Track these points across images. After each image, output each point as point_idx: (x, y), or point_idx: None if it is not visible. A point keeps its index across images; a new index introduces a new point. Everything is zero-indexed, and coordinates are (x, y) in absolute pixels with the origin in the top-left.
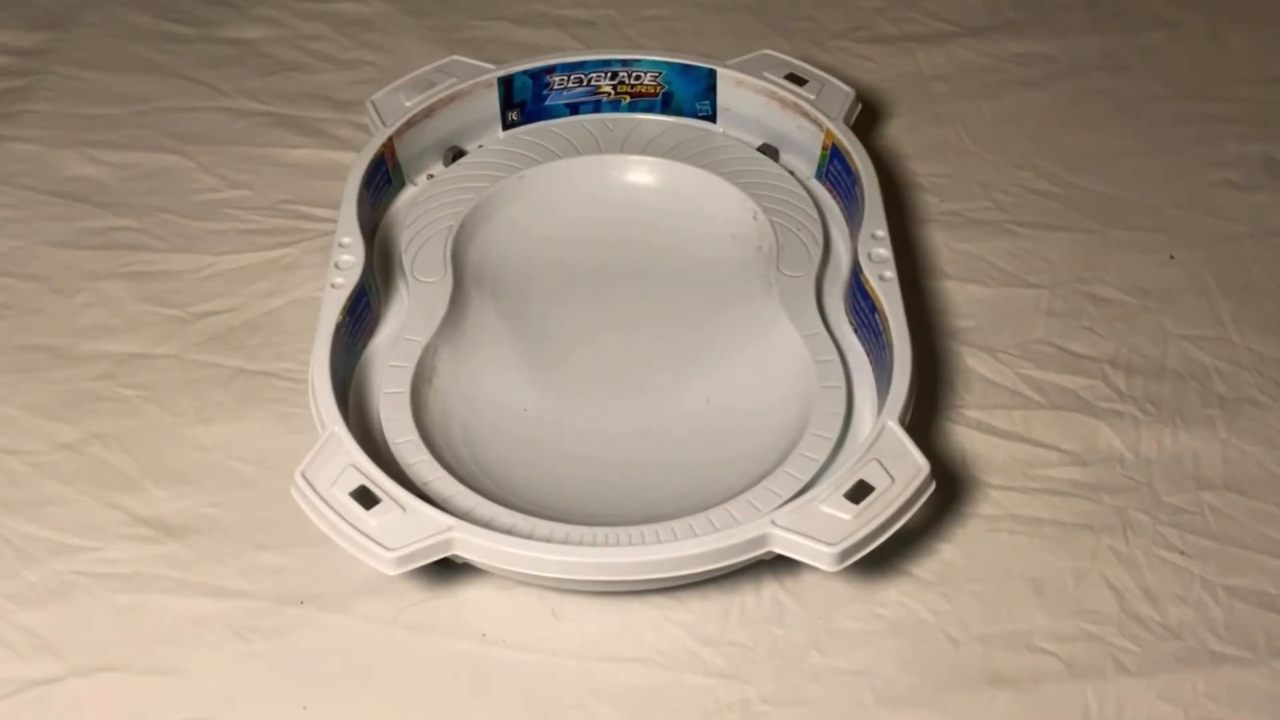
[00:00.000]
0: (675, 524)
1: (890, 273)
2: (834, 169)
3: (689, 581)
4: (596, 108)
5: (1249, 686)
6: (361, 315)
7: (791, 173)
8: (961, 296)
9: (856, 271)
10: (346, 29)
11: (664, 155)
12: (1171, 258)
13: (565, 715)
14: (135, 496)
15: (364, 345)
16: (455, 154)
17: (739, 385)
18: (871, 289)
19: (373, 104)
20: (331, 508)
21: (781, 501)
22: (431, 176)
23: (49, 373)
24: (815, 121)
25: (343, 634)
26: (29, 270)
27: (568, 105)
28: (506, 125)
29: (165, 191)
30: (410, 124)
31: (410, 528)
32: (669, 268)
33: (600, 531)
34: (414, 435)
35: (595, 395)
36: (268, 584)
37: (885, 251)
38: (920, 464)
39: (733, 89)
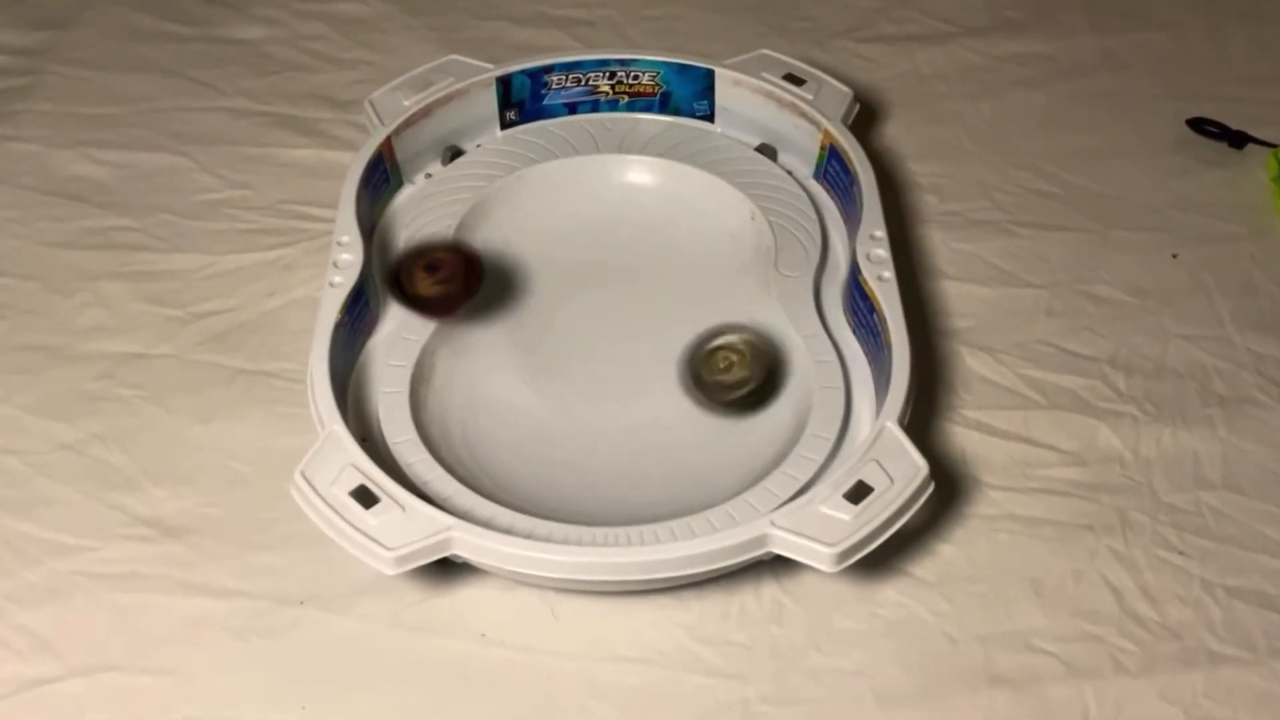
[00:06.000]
0: (674, 524)
1: (889, 273)
2: (832, 169)
3: (689, 582)
4: (594, 107)
5: (1248, 686)
6: (360, 314)
7: (789, 173)
8: (961, 296)
9: (855, 272)
10: (346, 29)
11: (662, 155)
12: (1174, 256)
13: (565, 715)
14: (134, 496)
15: (363, 344)
16: (453, 153)
17: None
18: (870, 289)
19: (371, 103)
20: (331, 507)
21: (781, 502)
22: (430, 176)
23: (48, 373)
24: (813, 121)
25: (342, 634)
26: (29, 270)
27: (566, 105)
28: (505, 125)
29: (165, 191)
30: (408, 123)
31: (409, 527)
32: (667, 268)
33: (599, 531)
34: (413, 434)
35: (594, 394)
36: (267, 584)
37: (883, 252)
38: (919, 464)
39: (731, 89)
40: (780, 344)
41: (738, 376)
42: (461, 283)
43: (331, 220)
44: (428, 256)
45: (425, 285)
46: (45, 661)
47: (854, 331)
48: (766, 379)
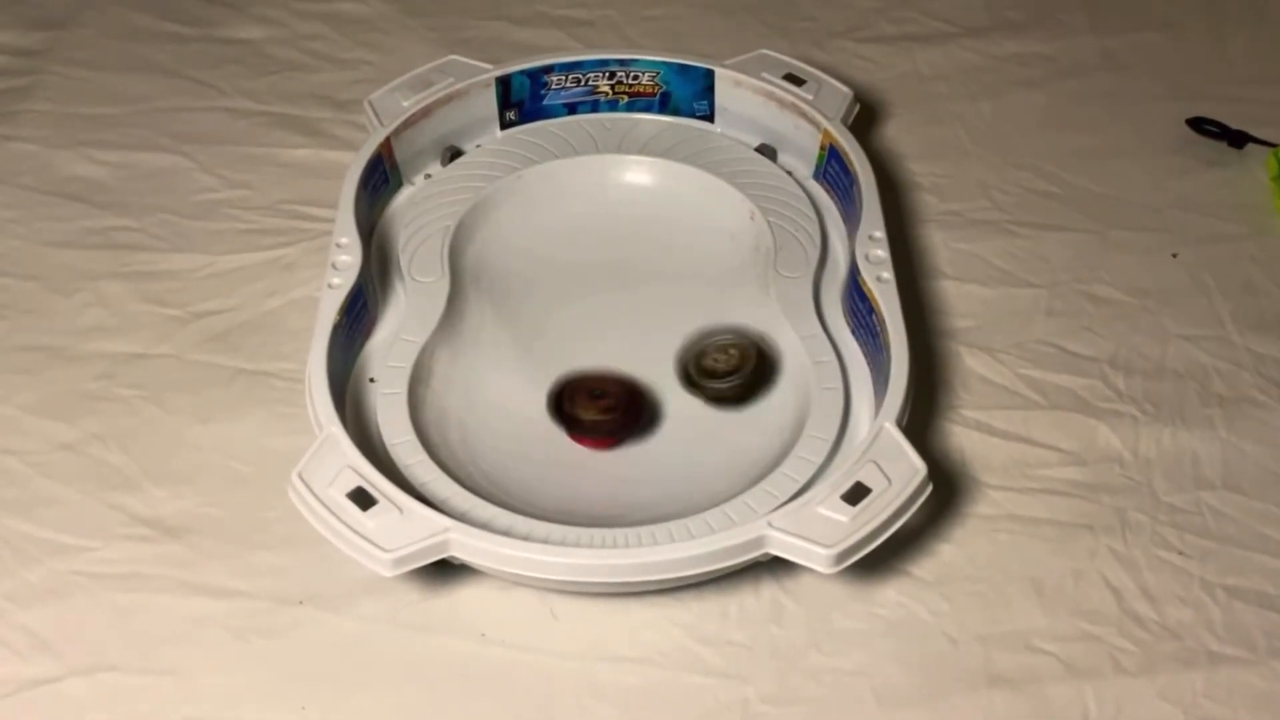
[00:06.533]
0: (672, 525)
1: (888, 274)
2: (832, 169)
3: (688, 582)
4: (594, 108)
5: (1248, 686)
6: (359, 316)
7: (789, 173)
8: (960, 296)
9: (854, 273)
10: (346, 29)
11: (661, 155)
12: (1174, 256)
13: (565, 715)
14: (134, 496)
15: (361, 346)
16: (453, 154)
17: None
18: (869, 290)
19: (370, 104)
20: (328, 509)
21: (779, 503)
22: (429, 176)
23: (49, 373)
24: (813, 122)
25: (342, 634)
26: (29, 270)
27: (565, 105)
28: (504, 125)
29: (165, 191)
30: (408, 124)
31: (407, 529)
32: (666, 268)
33: (597, 533)
34: (411, 436)
35: None
36: (267, 584)
37: (883, 252)
38: (917, 466)
39: (731, 89)
40: (770, 339)
41: (730, 364)
42: (624, 413)
43: (331, 220)
44: (593, 384)
45: (588, 410)
46: (45, 661)
47: (853, 332)
48: (758, 365)
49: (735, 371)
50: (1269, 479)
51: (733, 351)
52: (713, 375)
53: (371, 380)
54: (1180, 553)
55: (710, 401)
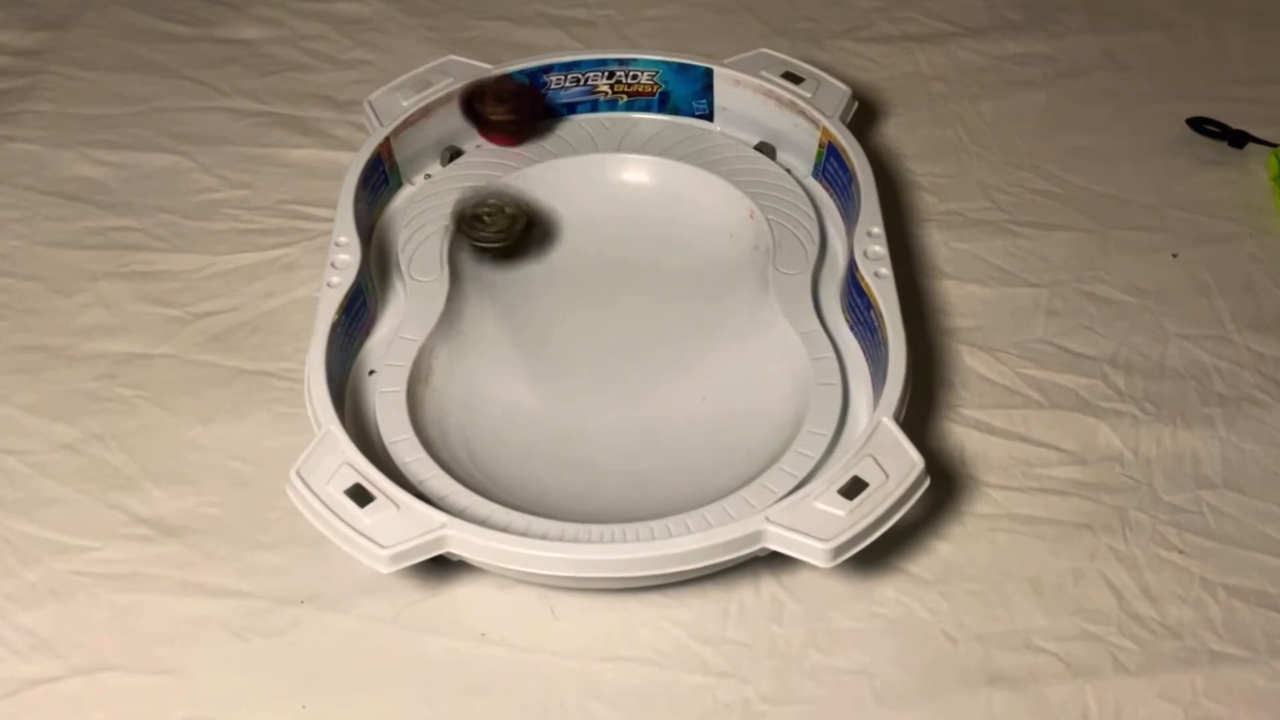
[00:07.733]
0: (670, 521)
1: (885, 270)
2: (830, 167)
3: (687, 579)
4: (593, 107)
5: (1248, 686)
6: (358, 315)
7: (788, 171)
8: (961, 296)
9: (852, 269)
10: (346, 29)
11: (661, 154)
12: (1174, 256)
13: (565, 715)
14: (135, 496)
15: (360, 345)
16: (452, 154)
17: (735, 382)
18: (867, 286)
19: (370, 104)
20: (326, 505)
21: (776, 498)
22: (429, 176)
23: (49, 373)
24: (811, 120)
25: (342, 633)
26: (29, 270)
27: (565, 105)
28: None
29: (165, 191)
30: (407, 124)
31: (404, 525)
32: (665, 266)
33: (595, 529)
34: (410, 434)
35: (591, 393)
36: (267, 583)
37: (881, 249)
38: (914, 460)
39: (730, 88)
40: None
41: (500, 226)
42: (527, 113)
43: (331, 220)
44: (497, 89)
45: (496, 110)
46: (45, 661)
47: (852, 329)
48: (524, 231)
49: (503, 231)
50: (1269, 478)
51: (508, 211)
52: (479, 224)
53: (371, 372)
54: (1181, 552)
55: (474, 252)
